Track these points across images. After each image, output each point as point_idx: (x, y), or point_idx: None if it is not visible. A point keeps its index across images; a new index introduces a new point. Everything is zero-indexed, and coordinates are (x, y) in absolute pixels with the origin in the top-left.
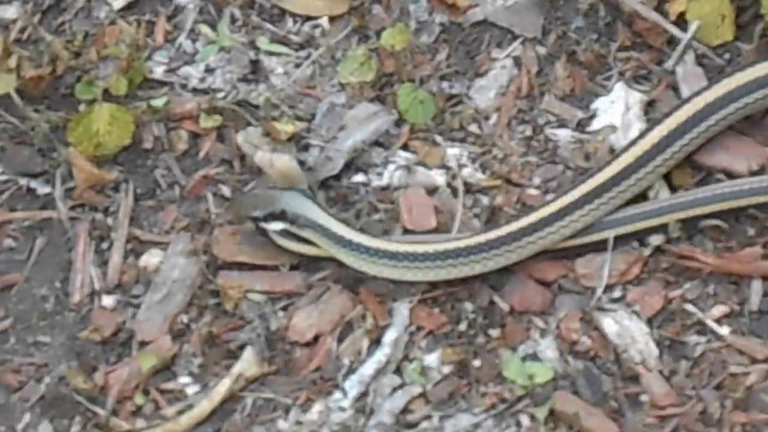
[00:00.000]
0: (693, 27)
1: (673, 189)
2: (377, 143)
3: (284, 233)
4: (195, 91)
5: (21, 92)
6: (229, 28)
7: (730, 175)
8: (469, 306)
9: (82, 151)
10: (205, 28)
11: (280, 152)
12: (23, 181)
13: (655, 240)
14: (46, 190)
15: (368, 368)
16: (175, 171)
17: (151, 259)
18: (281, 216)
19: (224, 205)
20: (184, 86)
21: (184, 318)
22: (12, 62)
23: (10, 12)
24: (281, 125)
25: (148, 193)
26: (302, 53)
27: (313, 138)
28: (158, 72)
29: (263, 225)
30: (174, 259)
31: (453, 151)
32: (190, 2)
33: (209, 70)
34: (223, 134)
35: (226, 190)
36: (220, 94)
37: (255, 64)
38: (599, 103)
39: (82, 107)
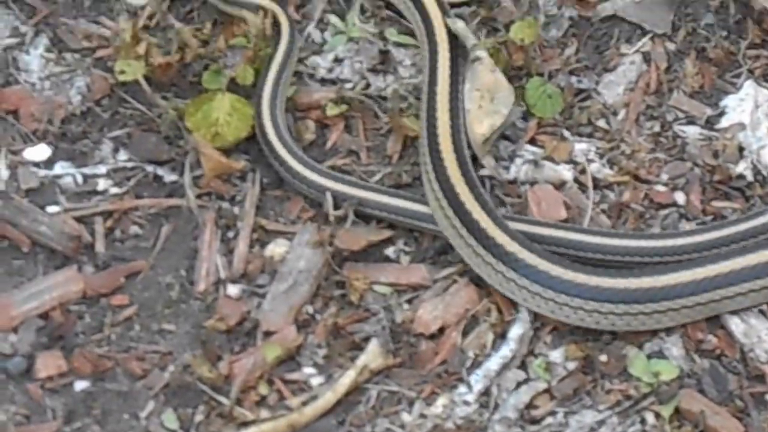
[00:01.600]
0: None
1: None
2: (504, 137)
3: None
4: (323, 81)
5: (149, 79)
6: (359, 19)
7: None
8: None
9: (201, 138)
10: (334, 19)
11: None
12: (150, 168)
13: None
14: (173, 177)
15: (493, 363)
16: None
17: (276, 249)
18: None
19: None
20: (312, 76)
21: (309, 309)
22: (141, 49)
23: None
24: (409, 121)
25: (275, 183)
26: None
27: None
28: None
29: None
30: (300, 250)
31: (581, 146)
32: None
33: (337, 61)
34: (350, 125)
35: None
36: (348, 85)
37: (383, 55)
38: (728, 101)
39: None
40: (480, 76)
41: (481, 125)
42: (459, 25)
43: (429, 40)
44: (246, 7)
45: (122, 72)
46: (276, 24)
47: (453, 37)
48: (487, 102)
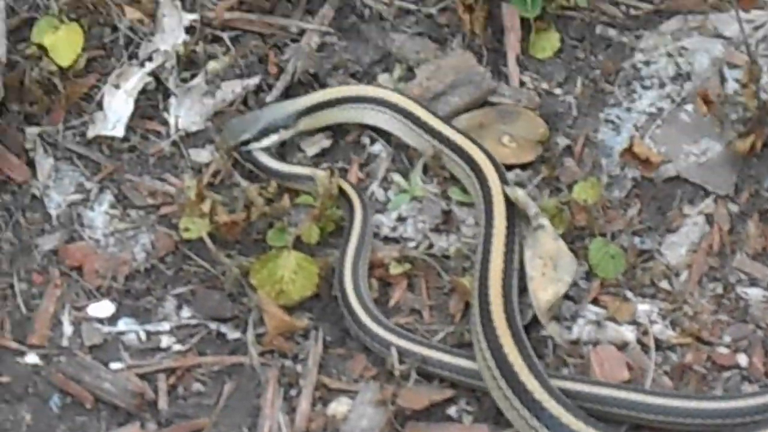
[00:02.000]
0: None
1: None
2: (567, 296)
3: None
4: (386, 239)
5: (213, 236)
6: (421, 178)
7: None
8: None
9: (266, 296)
10: (397, 178)
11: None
12: (213, 326)
13: None
14: (236, 335)
15: None
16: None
17: (339, 407)
18: (269, 130)
19: (216, 142)
20: (375, 234)
21: None
22: (205, 206)
23: (203, 156)
24: (470, 280)
25: (338, 341)
26: None
27: None
28: None
29: (256, 146)
30: (362, 408)
31: (643, 307)
32: (383, 151)
33: (401, 220)
34: (413, 283)
35: None
36: (411, 244)
37: (446, 215)
38: None
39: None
40: (542, 244)
41: (545, 292)
42: (519, 194)
43: (486, 207)
44: (304, 181)
45: (187, 229)
46: (343, 193)
47: (510, 204)
48: (551, 269)
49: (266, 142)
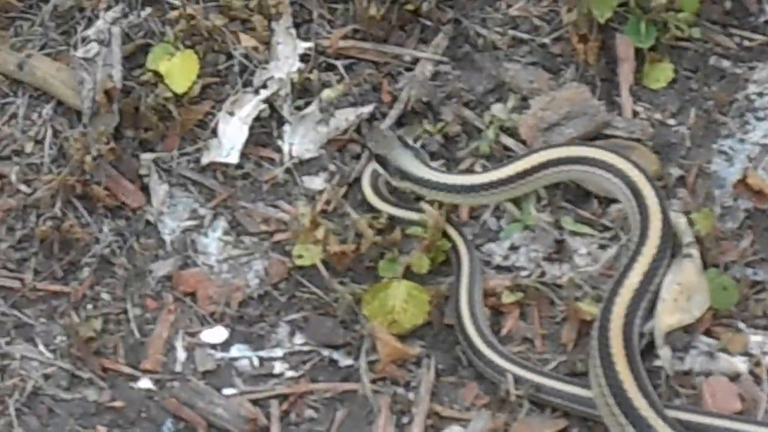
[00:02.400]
0: None
1: None
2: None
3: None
4: (498, 268)
5: (326, 263)
6: (534, 207)
7: None
8: None
9: (378, 325)
10: (510, 206)
11: None
12: (326, 352)
13: None
14: (348, 361)
15: None
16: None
17: None
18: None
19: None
20: (487, 263)
21: None
22: (319, 234)
23: (317, 183)
24: (585, 306)
25: (450, 369)
26: (607, 234)
27: None
28: None
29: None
30: None
31: (756, 339)
32: None
33: (513, 248)
34: (525, 312)
35: None
36: (524, 273)
37: (559, 244)
38: None
39: (384, 281)
40: (685, 273)
41: (670, 317)
42: (681, 221)
43: (642, 231)
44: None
45: (300, 256)
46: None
47: (665, 231)
48: (684, 299)
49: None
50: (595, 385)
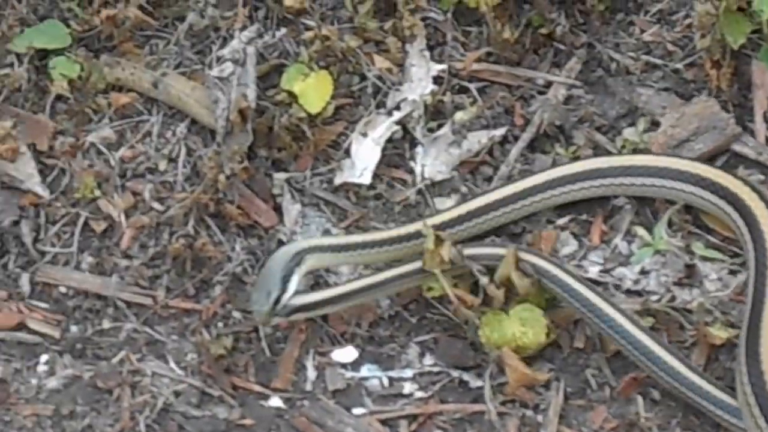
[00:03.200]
0: None
1: None
2: None
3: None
4: (629, 292)
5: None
6: (666, 232)
7: None
8: None
9: (506, 351)
10: (641, 231)
11: None
12: (455, 373)
13: None
14: (478, 383)
15: None
16: (606, 371)
17: None
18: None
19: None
20: (618, 287)
21: None
22: (444, 252)
23: (448, 204)
24: (715, 330)
25: (579, 393)
26: (737, 260)
27: None
28: (593, 271)
29: (287, 299)
30: None
31: None
32: (627, 204)
33: (644, 273)
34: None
35: (655, 394)
36: (654, 297)
37: (689, 269)
38: None
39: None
40: None
41: None
42: None
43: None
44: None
45: (430, 289)
46: None
47: None
48: None
49: (292, 288)
50: (743, 404)
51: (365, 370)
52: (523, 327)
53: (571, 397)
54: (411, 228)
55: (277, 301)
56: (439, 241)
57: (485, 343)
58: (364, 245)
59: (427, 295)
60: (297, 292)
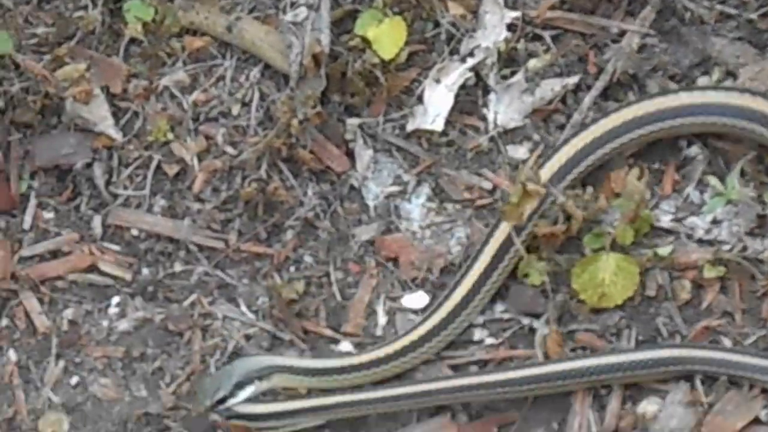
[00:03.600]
0: None
1: None
2: None
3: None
4: (700, 241)
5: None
6: (738, 182)
7: None
8: None
9: (587, 299)
10: (713, 180)
11: None
12: (526, 321)
13: None
14: (547, 330)
15: None
16: (677, 320)
17: (649, 406)
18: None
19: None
20: (689, 236)
21: None
22: (527, 207)
23: (521, 152)
24: None
25: (649, 340)
26: None
27: None
28: (665, 221)
29: (233, 403)
30: (672, 408)
31: None
32: (700, 153)
33: (716, 222)
34: (726, 286)
35: (726, 342)
36: (726, 247)
37: (761, 219)
38: None
39: (587, 251)
40: None
41: None
42: None
43: None
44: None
45: (526, 275)
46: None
47: None
48: None
49: (243, 396)
50: None
51: None
52: (615, 276)
53: (641, 346)
54: (381, 352)
55: (222, 401)
56: (526, 194)
57: (573, 283)
58: (333, 371)
59: (526, 281)
60: (247, 400)
